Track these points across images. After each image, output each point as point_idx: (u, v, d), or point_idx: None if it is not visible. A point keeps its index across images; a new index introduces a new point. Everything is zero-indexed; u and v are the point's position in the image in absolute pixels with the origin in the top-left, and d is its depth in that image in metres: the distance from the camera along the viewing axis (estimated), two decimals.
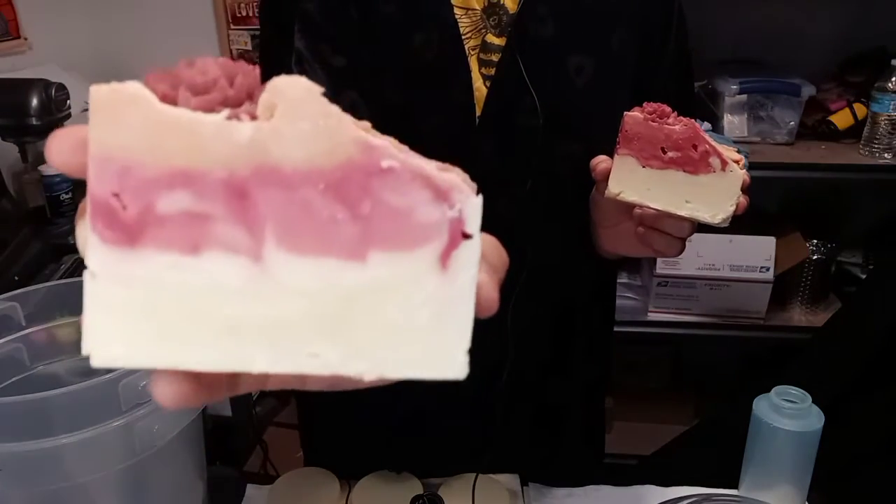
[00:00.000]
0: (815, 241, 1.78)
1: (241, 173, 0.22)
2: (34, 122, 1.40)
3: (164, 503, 0.67)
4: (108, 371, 0.57)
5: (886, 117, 1.60)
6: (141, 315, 0.23)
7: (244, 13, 2.09)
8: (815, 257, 1.77)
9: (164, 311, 0.23)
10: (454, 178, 0.23)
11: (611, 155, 0.63)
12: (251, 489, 0.81)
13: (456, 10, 0.69)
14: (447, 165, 0.24)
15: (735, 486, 0.78)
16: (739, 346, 1.95)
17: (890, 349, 1.41)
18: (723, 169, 0.59)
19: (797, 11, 1.82)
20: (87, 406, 0.56)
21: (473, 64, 0.70)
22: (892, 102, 1.58)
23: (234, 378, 0.27)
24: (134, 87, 0.22)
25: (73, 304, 0.74)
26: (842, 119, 1.72)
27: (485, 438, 0.85)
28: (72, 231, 1.24)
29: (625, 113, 0.61)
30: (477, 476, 0.79)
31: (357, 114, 0.23)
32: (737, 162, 0.60)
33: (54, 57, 1.85)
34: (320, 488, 0.79)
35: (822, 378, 1.43)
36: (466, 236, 0.23)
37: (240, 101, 0.23)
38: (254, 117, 0.22)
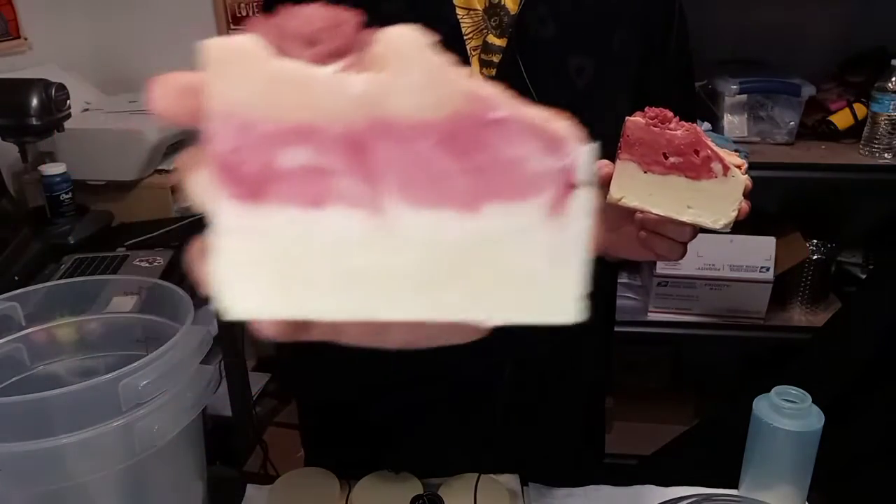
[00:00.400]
0: (815, 241, 1.78)
1: (357, 126, 0.22)
2: (34, 122, 1.40)
3: (164, 503, 0.67)
4: (108, 371, 0.57)
5: (886, 117, 1.60)
6: (267, 269, 0.23)
7: (244, 13, 2.09)
8: (815, 257, 1.77)
9: (290, 264, 0.23)
10: (565, 127, 0.23)
11: (612, 158, 0.63)
12: (251, 489, 0.81)
13: (458, 11, 0.69)
14: (552, 115, 0.24)
15: (735, 486, 0.78)
16: (739, 346, 1.95)
17: (890, 349, 1.41)
18: (724, 174, 0.59)
19: (797, 11, 1.82)
20: (87, 406, 0.56)
21: (475, 65, 0.70)
22: (892, 102, 1.58)
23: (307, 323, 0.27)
24: (246, 41, 0.22)
25: (73, 304, 0.74)
26: (842, 119, 1.72)
27: (485, 438, 0.85)
28: (72, 231, 1.24)
29: (626, 118, 0.61)
30: (479, 476, 0.79)
31: None
32: (738, 167, 0.60)
33: (54, 57, 1.85)
34: (320, 488, 0.79)
35: (822, 378, 1.43)
36: (578, 184, 0.24)
37: (345, 51, 0.23)
38: (361, 68, 0.22)
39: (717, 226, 0.60)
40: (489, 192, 0.23)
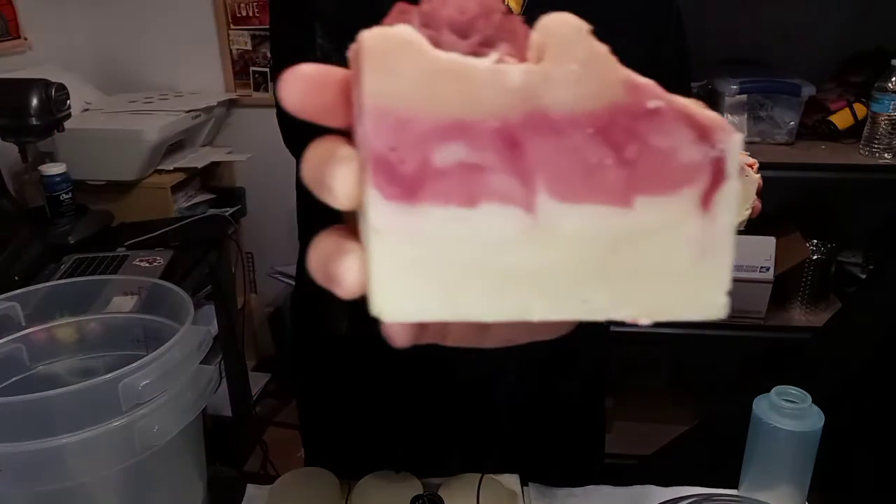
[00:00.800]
0: (815, 241, 1.79)
1: (513, 121, 0.22)
2: (34, 122, 1.40)
3: (164, 503, 0.67)
4: (108, 371, 0.57)
5: (886, 117, 1.60)
6: (424, 269, 0.22)
7: (244, 13, 2.09)
8: (815, 257, 1.77)
9: (445, 264, 0.22)
10: (717, 117, 0.23)
11: None
12: (251, 489, 0.81)
13: None
14: (699, 104, 0.24)
15: (735, 486, 0.78)
16: (739, 346, 1.95)
17: (890, 349, 1.41)
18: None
19: (797, 11, 1.82)
20: (87, 406, 0.56)
21: None
22: (892, 102, 1.58)
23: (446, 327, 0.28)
24: (405, 32, 0.21)
25: (73, 304, 0.74)
26: (842, 119, 1.72)
27: (485, 438, 0.85)
28: (72, 231, 1.24)
29: None
30: (482, 477, 0.79)
31: None
32: (751, 166, 0.60)
33: (54, 57, 1.85)
34: (320, 488, 0.79)
35: (822, 378, 1.43)
36: (727, 176, 0.23)
37: (497, 40, 0.22)
38: (517, 58, 0.22)
39: None
40: (642, 184, 0.23)
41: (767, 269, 1.69)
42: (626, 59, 0.76)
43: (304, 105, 0.23)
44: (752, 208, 0.60)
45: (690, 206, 0.23)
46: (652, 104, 0.22)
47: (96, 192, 1.72)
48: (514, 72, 0.21)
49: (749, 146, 1.68)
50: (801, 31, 1.84)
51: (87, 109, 1.86)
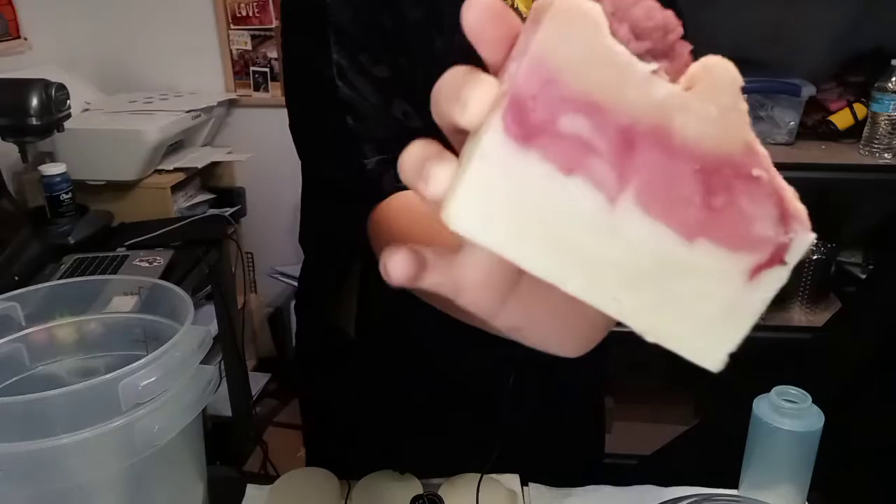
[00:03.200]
0: (815, 241, 1.78)
1: (640, 125, 0.23)
2: (34, 122, 1.40)
3: (164, 503, 0.67)
4: (108, 371, 0.57)
5: (886, 117, 1.60)
6: (505, 205, 0.25)
7: (244, 13, 2.09)
8: (815, 257, 1.77)
9: (523, 210, 0.25)
10: (802, 210, 0.25)
11: None
12: (251, 489, 0.81)
13: None
14: (795, 193, 0.25)
15: (735, 486, 0.78)
16: (739, 345, 1.95)
17: (890, 349, 1.41)
18: None
19: (797, 11, 1.82)
20: (87, 406, 0.56)
21: None
22: (892, 102, 1.58)
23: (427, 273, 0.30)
24: (595, 10, 0.23)
25: (73, 304, 0.74)
26: (842, 119, 1.72)
27: (485, 438, 0.85)
28: (72, 231, 1.24)
29: None
30: (482, 477, 0.79)
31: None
32: None
33: (54, 57, 1.85)
34: (320, 488, 0.79)
35: (822, 378, 1.43)
36: (782, 262, 0.25)
37: (664, 55, 0.24)
38: (671, 78, 0.24)
39: None
40: (711, 231, 0.25)
41: None
42: None
43: (484, 28, 0.25)
44: None
45: (741, 270, 0.25)
46: (756, 172, 0.24)
47: (96, 192, 1.72)
48: (662, 87, 0.23)
49: None
50: (801, 31, 1.84)
51: (87, 109, 1.86)
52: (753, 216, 0.24)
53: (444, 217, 0.25)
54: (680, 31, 0.25)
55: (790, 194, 0.25)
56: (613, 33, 0.23)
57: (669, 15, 0.25)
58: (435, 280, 0.30)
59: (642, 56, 0.24)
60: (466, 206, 0.25)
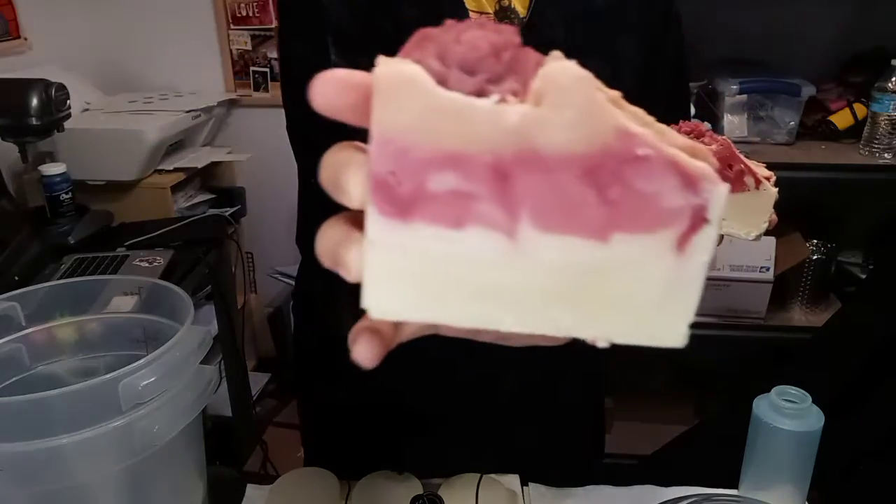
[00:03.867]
0: (815, 241, 1.78)
1: (505, 156, 0.23)
2: (34, 122, 1.40)
3: (164, 503, 0.67)
4: (108, 371, 0.57)
5: (886, 117, 1.60)
6: (410, 277, 0.25)
7: (244, 13, 2.09)
8: (815, 257, 1.77)
9: (430, 275, 0.25)
10: (704, 167, 0.24)
11: None
12: (251, 489, 0.81)
13: (471, 14, 0.69)
14: (693, 145, 0.24)
15: (735, 486, 0.78)
16: (739, 346, 1.95)
17: (890, 349, 1.41)
18: (756, 187, 0.60)
19: (797, 11, 1.82)
20: (87, 406, 0.56)
21: None
22: (892, 102, 1.58)
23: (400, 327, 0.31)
24: (414, 70, 0.23)
25: (73, 304, 0.74)
26: (842, 119, 1.72)
27: (485, 439, 0.85)
28: (72, 231, 1.24)
29: None
30: (482, 477, 0.79)
31: None
32: (767, 178, 0.61)
33: (54, 57, 1.85)
34: (320, 488, 0.79)
35: (822, 378, 1.43)
36: (706, 221, 0.24)
37: (505, 76, 0.24)
38: (518, 96, 0.23)
39: (750, 237, 0.62)
40: (620, 223, 0.24)
41: (767, 269, 1.69)
42: (626, 60, 0.77)
43: (334, 104, 0.25)
44: (770, 221, 0.61)
45: (666, 246, 0.24)
46: (641, 151, 0.23)
47: (96, 192, 1.72)
48: (511, 113, 0.23)
49: (749, 146, 1.68)
50: (801, 31, 1.84)
51: (87, 109, 1.86)
52: (657, 193, 0.23)
53: (364, 306, 0.25)
54: (515, 41, 0.24)
55: (684, 158, 0.23)
56: (444, 80, 0.23)
57: (500, 35, 0.24)
58: (408, 334, 0.31)
59: (485, 88, 0.23)
60: (375, 293, 0.25)
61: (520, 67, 0.24)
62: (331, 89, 0.25)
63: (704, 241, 0.24)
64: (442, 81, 0.23)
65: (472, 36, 0.24)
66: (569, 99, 0.22)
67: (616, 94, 0.24)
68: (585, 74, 0.23)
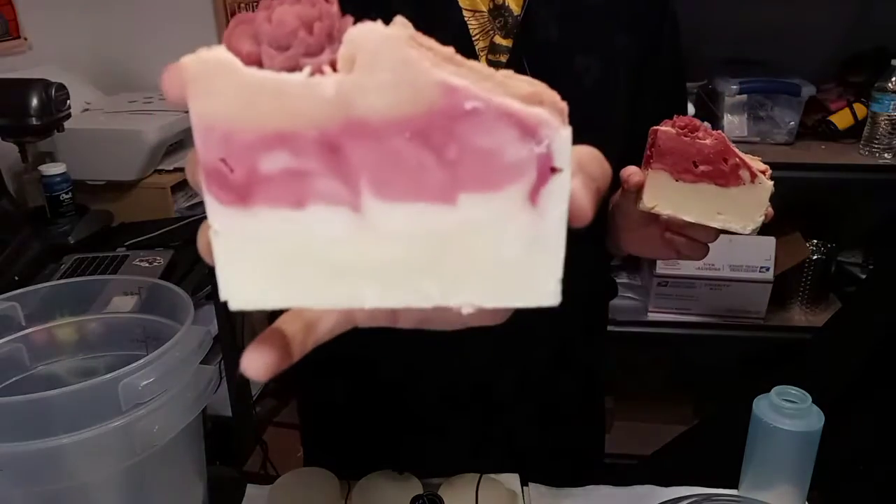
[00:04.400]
0: (815, 241, 1.78)
1: (331, 129, 0.22)
2: (34, 122, 1.40)
3: (164, 503, 0.67)
4: (108, 371, 0.57)
5: (886, 117, 1.60)
6: (263, 264, 0.24)
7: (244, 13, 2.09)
8: (815, 257, 1.77)
9: (281, 259, 0.24)
10: (541, 113, 0.23)
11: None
12: (251, 489, 0.81)
13: (464, 13, 0.69)
14: (536, 91, 0.24)
15: (735, 486, 0.78)
16: (739, 346, 1.95)
17: (890, 349, 1.41)
18: (752, 181, 0.61)
19: (797, 11, 1.82)
20: (87, 406, 0.56)
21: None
22: (892, 102, 1.58)
23: (312, 328, 0.31)
24: (220, 54, 0.22)
25: (73, 304, 0.74)
26: (842, 119, 1.72)
27: (485, 438, 0.85)
28: (72, 231, 1.24)
29: (657, 128, 0.62)
30: (481, 477, 0.79)
31: None
32: (763, 172, 0.61)
33: (54, 57, 1.85)
34: (320, 488, 0.79)
35: (822, 378, 1.43)
36: (555, 170, 0.23)
37: (321, 47, 0.23)
38: (335, 66, 0.22)
39: (746, 231, 0.62)
40: (465, 183, 0.23)
41: (767, 269, 1.69)
42: (622, 58, 0.77)
43: (178, 97, 0.24)
44: (766, 214, 0.61)
45: (518, 201, 0.23)
46: (469, 105, 0.22)
47: (96, 192, 1.72)
48: (326, 83, 0.22)
49: (749, 146, 1.68)
50: (801, 31, 1.84)
51: (87, 109, 1.86)
52: (496, 147, 0.23)
53: (222, 298, 0.25)
54: (333, 10, 0.23)
55: (518, 105, 0.23)
56: (254, 59, 0.23)
57: (311, 7, 0.23)
58: (323, 334, 0.32)
59: (300, 63, 0.23)
60: (230, 284, 0.25)
61: (339, 38, 0.23)
62: (168, 82, 0.24)
63: (558, 191, 0.23)
64: (256, 62, 0.23)
65: (281, 12, 0.23)
66: (379, 61, 0.22)
67: (449, 50, 0.23)
68: (393, 33, 0.22)
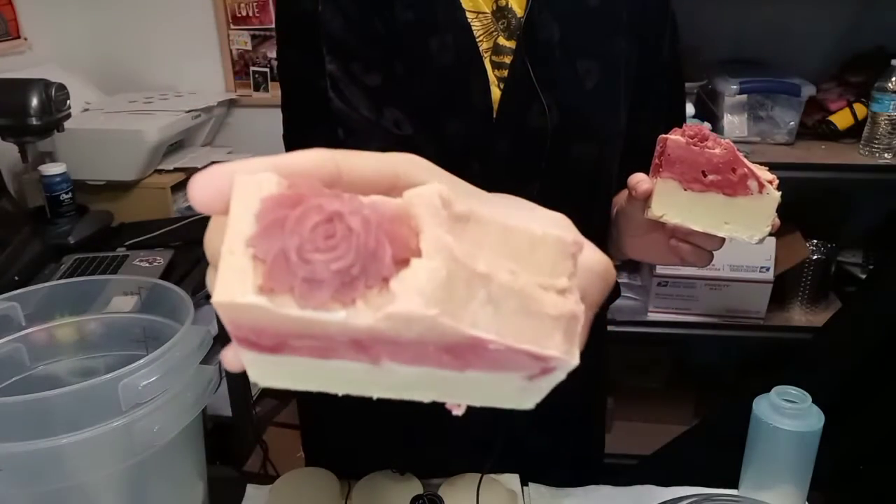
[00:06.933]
0: (815, 241, 1.79)
1: (362, 339, 0.24)
2: (34, 122, 1.40)
3: (164, 503, 0.68)
4: (108, 371, 0.57)
5: (886, 117, 1.60)
6: (287, 376, 0.28)
7: (244, 13, 2.09)
8: (815, 257, 1.77)
9: (302, 376, 0.27)
10: (555, 355, 0.25)
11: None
12: (251, 489, 0.81)
13: (467, 14, 0.69)
14: (570, 286, 0.26)
15: (735, 486, 0.78)
16: (739, 346, 1.95)
17: (890, 349, 1.41)
18: (760, 191, 0.61)
19: (797, 11, 1.82)
20: (87, 406, 0.56)
21: (487, 66, 0.70)
22: (892, 102, 1.58)
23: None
24: (251, 299, 0.23)
25: (73, 304, 0.74)
26: (842, 119, 1.72)
27: (485, 439, 0.85)
28: (72, 231, 1.23)
29: (666, 136, 0.63)
30: (482, 477, 0.79)
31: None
32: (770, 182, 0.61)
33: (54, 57, 1.85)
34: (320, 488, 0.79)
35: (822, 378, 1.43)
36: (553, 372, 0.27)
37: (356, 288, 0.23)
38: (371, 288, 0.23)
39: (753, 241, 0.62)
40: (475, 367, 0.26)
41: (767, 269, 1.69)
42: (622, 60, 0.76)
43: (209, 207, 0.25)
44: (772, 224, 0.62)
45: (518, 380, 0.27)
46: (493, 347, 0.25)
47: (96, 192, 1.72)
48: (361, 321, 0.23)
49: (749, 146, 1.68)
50: (801, 31, 1.84)
51: (87, 109, 1.86)
52: (509, 363, 0.25)
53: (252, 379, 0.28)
54: (384, 244, 0.23)
55: (537, 349, 0.25)
56: (292, 290, 0.23)
57: (334, 257, 0.23)
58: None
59: (337, 296, 0.23)
60: (256, 375, 0.28)
61: (373, 269, 0.23)
62: (209, 196, 0.25)
63: (552, 379, 0.27)
64: (290, 290, 0.23)
65: (314, 259, 0.23)
66: (414, 325, 0.23)
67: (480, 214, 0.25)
68: (427, 313, 0.23)
